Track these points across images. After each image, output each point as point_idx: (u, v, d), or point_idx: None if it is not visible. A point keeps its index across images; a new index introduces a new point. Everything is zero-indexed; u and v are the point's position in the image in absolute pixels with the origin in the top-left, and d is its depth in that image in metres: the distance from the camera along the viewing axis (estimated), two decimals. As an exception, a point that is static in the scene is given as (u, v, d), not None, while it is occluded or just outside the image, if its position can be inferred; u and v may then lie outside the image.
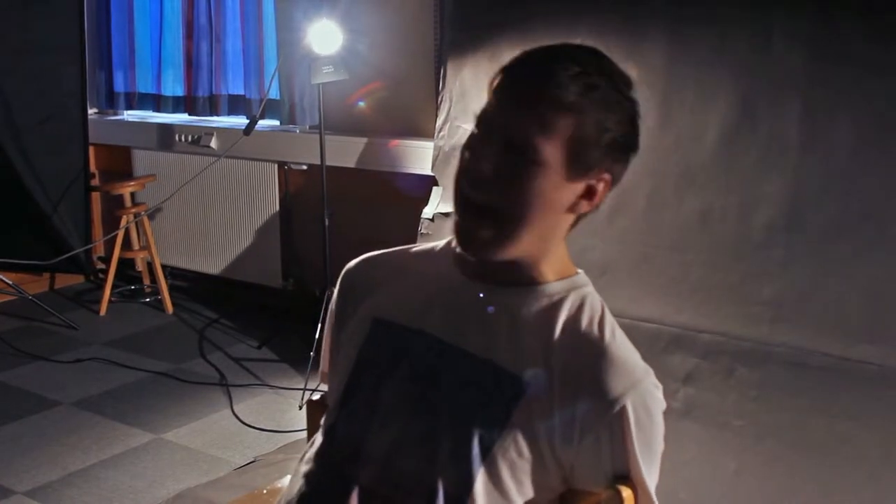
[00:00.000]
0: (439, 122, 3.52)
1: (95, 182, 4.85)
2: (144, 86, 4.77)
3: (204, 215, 4.63)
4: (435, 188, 3.54)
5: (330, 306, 1.39)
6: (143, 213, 4.51)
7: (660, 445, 1.17)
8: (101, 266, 5.04)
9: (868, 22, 2.59)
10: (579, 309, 1.20)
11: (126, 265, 4.80)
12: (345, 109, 4.03)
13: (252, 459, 3.03)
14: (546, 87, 1.12)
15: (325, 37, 3.53)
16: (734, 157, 2.81)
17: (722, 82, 2.82)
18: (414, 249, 1.36)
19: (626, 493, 1.13)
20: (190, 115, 4.61)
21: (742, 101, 2.79)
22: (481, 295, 1.21)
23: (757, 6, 2.76)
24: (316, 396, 1.44)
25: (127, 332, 4.29)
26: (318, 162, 3.88)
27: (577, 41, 3.26)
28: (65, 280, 4.92)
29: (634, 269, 2.87)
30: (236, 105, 4.49)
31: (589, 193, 1.18)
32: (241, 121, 4.47)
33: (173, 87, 4.66)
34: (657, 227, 2.88)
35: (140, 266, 4.82)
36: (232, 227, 4.56)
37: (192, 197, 4.55)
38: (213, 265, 4.67)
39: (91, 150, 4.68)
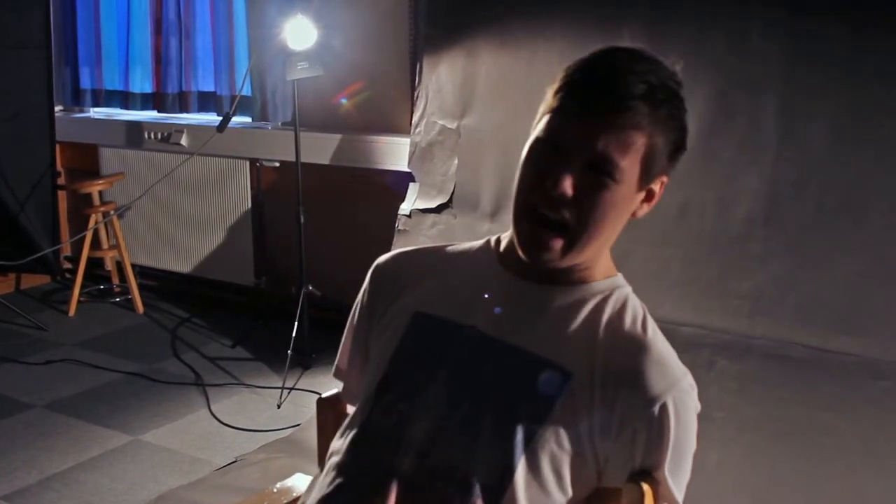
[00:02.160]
0: (415, 118, 3.51)
1: (61, 180, 4.78)
2: (111, 82, 4.70)
3: (174, 213, 4.58)
4: (412, 184, 3.53)
5: (358, 302, 1.38)
6: (112, 212, 4.45)
7: (692, 445, 1.20)
8: (67, 266, 4.97)
9: (844, 21, 2.63)
10: (622, 308, 1.23)
11: (94, 264, 4.72)
12: (319, 106, 4.00)
13: (233, 459, 3.00)
14: (622, 108, 1.14)
15: (299, 33, 3.51)
16: (712, 152, 2.83)
17: (699, 78, 2.84)
18: (448, 248, 1.36)
19: (646, 487, 1.14)
20: (159, 112, 4.55)
21: (719, 97, 2.81)
22: (528, 292, 1.24)
23: (734, 5, 2.79)
24: (327, 394, 1.42)
25: (97, 332, 4.23)
26: (290, 159, 3.86)
27: (555, 37, 3.29)
28: (30, 280, 4.84)
29: (614, 264, 2.89)
30: (206, 102, 4.45)
31: (649, 196, 1.24)
32: (211, 118, 4.44)
33: (142, 83, 4.60)
34: (636, 221, 2.89)
35: (109, 265, 4.75)
36: (203, 225, 4.52)
37: (161, 195, 4.50)
38: (184, 264, 4.62)
39: (56, 147, 4.61)
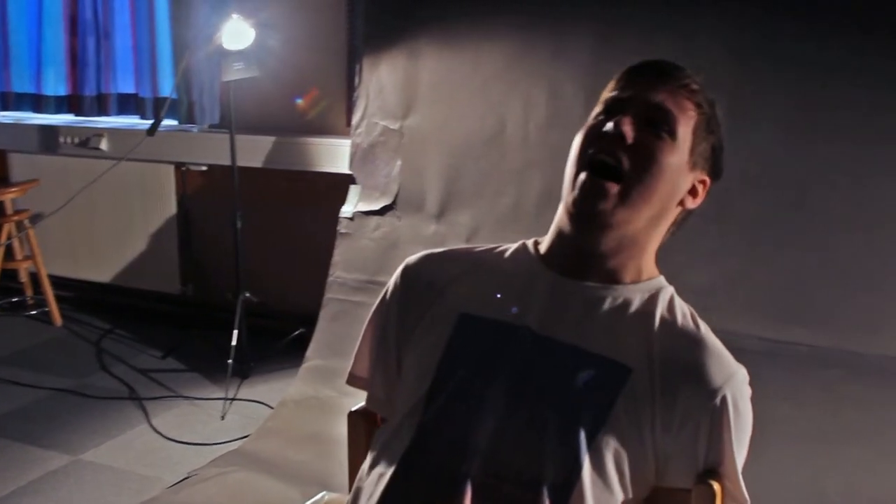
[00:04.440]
0: (356, 119, 3.46)
1: (-34, 188, 4.52)
2: (21, 85, 4.47)
3: (92, 221, 4.39)
4: (353, 186, 3.48)
5: (383, 304, 1.33)
6: (27, 221, 4.23)
7: (750, 431, 1.21)
8: (-27, 278, 4.71)
9: (794, 17, 2.70)
10: (671, 304, 1.24)
11: (3, 276, 4.48)
12: (251, 107, 3.89)
13: (185, 476, 2.88)
14: (679, 76, 1.24)
15: (235, 33, 3.41)
16: (661, 150, 2.88)
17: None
18: (477, 250, 1.34)
19: (717, 487, 1.14)
20: (76, 115, 4.35)
21: (668, 96, 2.86)
22: (576, 290, 1.23)
23: (682, 7, 2.84)
24: (356, 406, 1.37)
25: (16, 347, 4.02)
26: (218, 162, 3.76)
27: (500, 39, 3.27)
28: (-68, 295, 4.57)
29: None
30: (127, 104, 4.27)
31: (693, 191, 1.26)
32: (132, 121, 4.28)
33: (55, 86, 4.38)
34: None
35: (23, 277, 4.52)
36: (123, 233, 4.34)
37: (78, 201, 4.29)
38: (102, 273, 4.43)
39: (-39, 154, 4.37)
